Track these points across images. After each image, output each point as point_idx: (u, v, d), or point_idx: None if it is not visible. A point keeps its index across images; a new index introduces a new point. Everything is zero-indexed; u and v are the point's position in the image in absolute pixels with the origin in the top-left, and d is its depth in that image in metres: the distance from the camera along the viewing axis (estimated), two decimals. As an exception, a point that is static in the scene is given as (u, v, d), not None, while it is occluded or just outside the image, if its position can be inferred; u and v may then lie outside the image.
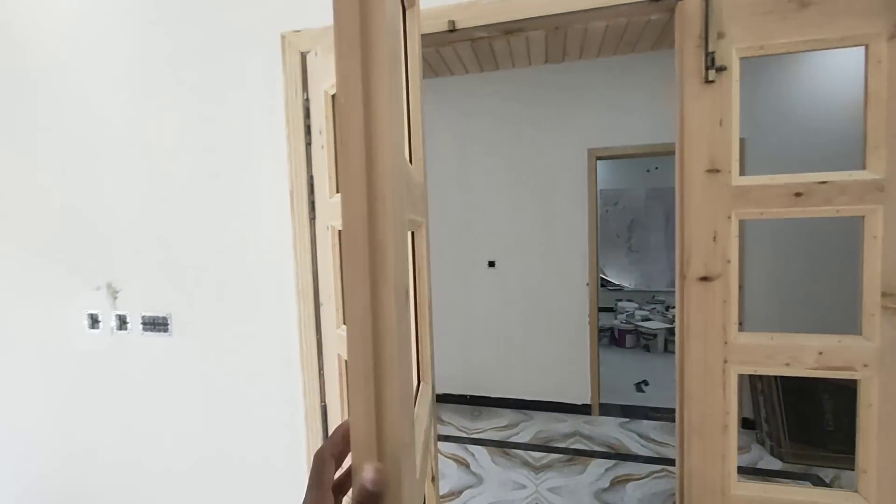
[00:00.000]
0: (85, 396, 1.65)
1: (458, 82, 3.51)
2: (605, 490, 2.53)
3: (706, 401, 1.06)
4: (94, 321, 1.61)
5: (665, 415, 3.44)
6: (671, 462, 2.78)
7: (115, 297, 1.55)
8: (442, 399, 3.79)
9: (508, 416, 3.51)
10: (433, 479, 0.93)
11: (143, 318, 1.55)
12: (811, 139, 2.85)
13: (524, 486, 2.58)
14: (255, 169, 1.34)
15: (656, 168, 6.97)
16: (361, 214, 0.29)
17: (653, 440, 3.07)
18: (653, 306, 6.07)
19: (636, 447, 2.98)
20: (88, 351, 1.61)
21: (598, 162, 3.38)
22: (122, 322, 1.57)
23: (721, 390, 1.05)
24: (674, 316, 4.77)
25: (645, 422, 3.34)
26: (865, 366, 0.97)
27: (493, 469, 2.77)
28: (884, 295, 0.94)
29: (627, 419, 3.39)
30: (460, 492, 2.55)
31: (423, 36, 1.17)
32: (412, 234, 0.81)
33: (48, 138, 1.58)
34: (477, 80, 3.50)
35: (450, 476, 2.70)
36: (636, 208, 7.61)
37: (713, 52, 0.97)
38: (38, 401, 1.71)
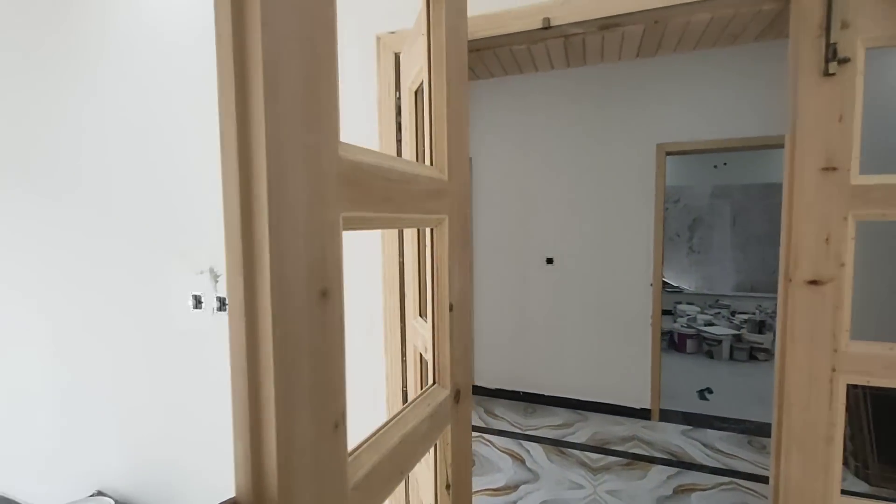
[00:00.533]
0: (188, 369, 1.83)
1: (520, 78, 3.49)
2: (667, 498, 2.46)
3: (809, 410, 1.01)
4: (197, 302, 1.78)
5: (732, 425, 3.27)
6: (740, 475, 2.65)
7: (217, 281, 1.70)
8: (495, 394, 3.81)
9: (563, 414, 3.47)
10: (447, 486, 0.84)
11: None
12: (918, 134, 2.58)
13: (581, 486, 2.55)
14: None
15: (724, 164, 6.57)
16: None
17: (719, 450, 2.93)
18: (717, 311, 5.74)
19: (700, 456, 2.86)
20: (193, 329, 1.79)
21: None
22: (222, 304, 1.72)
23: (827, 400, 1.00)
24: (740, 322, 4.56)
25: (710, 431, 3.19)
26: None
27: (549, 466, 2.76)
28: None
29: (690, 427, 3.25)
30: (516, 486, 2.57)
31: (516, 34, 1.19)
32: (431, 230, 0.79)
33: (161, 142, 1.76)
34: (539, 75, 3.46)
35: (505, 470, 2.72)
36: (699, 207, 7.21)
37: (835, 43, 0.92)
38: (143, 372, 1.91)
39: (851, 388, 2.72)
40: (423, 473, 1.01)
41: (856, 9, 0.91)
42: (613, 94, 3.30)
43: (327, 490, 0.45)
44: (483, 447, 3.00)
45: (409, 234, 1.36)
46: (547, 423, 3.35)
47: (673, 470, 2.71)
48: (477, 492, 2.50)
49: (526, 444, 3.04)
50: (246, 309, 0.37)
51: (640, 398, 3.38)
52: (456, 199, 0.79)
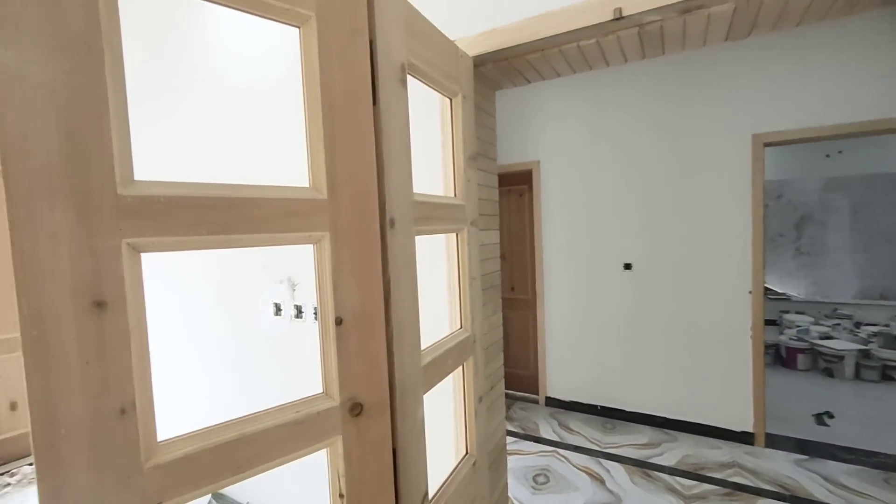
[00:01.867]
0: (268, 370, 1.96)
1: (589, 74, 3.33)
2: (778, 537, 2.14)
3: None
4: (277, 309, 1.91)
5: (861, 457, 2.77)
6: (875, 519, 2.23)
7: (294, 290, 1.82)
8: (570, 406, 3.63)
9: (647, 433, 3.20)
10: (340, 495, 0.88)
11: (314, 308, 1.79)
12: None
13: (672, 515, 2.32)
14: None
15: (840, 153, 5.70)
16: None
17: (843, 486, 2.49)
18: (835, 322, 4.96)
19: (820, 492, 2.45)
20: (273, 333, 1.92)
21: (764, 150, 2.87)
22: (299, 311, 1.83)
23: None
24: (868, 335, 3.90)
25: (831, 463, 2.73)
26: None
27: (632, 489, 2.55)
28: None
29: (805, 457, 2.81)
30: (596, 508, 2.40)
31: (584, 29, 1.12)
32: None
33: (249, 168, 1.92)
34: (610, 70, 3.27)
35: (583, 489, 2.56)
36: (807, 202, 6.34)
37: None
38: (232, 370, 2.09)
39: None
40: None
41: None
42: (698, 83, 3.01)
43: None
44: (558, 463, 2.86)
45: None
46: (629, 441, 3.10)
47: (784, 506, 2.36)
48: (552, 510, 2.38)
49: (605, 462, 2.84)
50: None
51: (742, 420, 3.00)
52: (341, 215, 0.84)
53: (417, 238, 1.55)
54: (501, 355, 1.76)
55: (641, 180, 3.24)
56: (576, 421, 3.44)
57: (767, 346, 4.45)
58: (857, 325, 4.82)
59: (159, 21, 2.10)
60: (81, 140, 0.57)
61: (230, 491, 2.23)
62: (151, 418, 0.64)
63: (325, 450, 0.86)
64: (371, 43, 0.88)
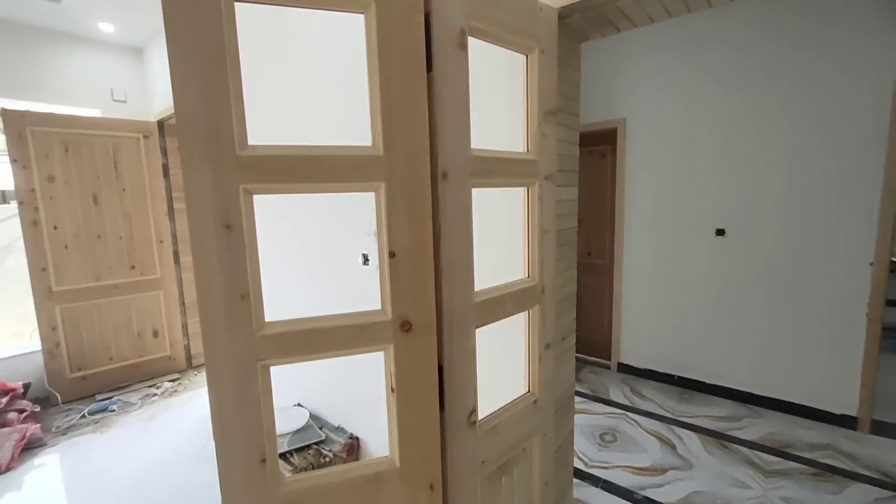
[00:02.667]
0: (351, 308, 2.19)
1: (681, 28, 3.00)
2: (873, 524, 1.99)
3: None
4: (365, 259, 2.10)
5: None
6: None
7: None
8: (643, 374, 3.56)
9: (728, 406, 3.05)
10: (392, 389, 1.10)
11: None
12: None
13: (748, 486, 2.25)
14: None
15: None
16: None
17: (967, 485, 2.21)
18: None
19: (934, 486, 2.21)
20: (360, 281, 2.13)
21: (909, 96, 2.42)
22: (385, 261, 2.00)
23: None
24: None
25: (953, 458, 2.42)
26: None
27: (705, 457, 2.50)
28: None
29: (919, 448, 2.52)
30: (664, 470, 2.40)
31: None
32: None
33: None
34: (705, 19, 2.92)
35: (651, 452, 2.56)
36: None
37: None
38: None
39: None
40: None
41: None
42: (819, 22, 2.58)
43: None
44: (626, 425, 2.87)
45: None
46: (707, 412, 2.99)
47: (884, 493, 2.17)
48: (616, 467, 2.43)
49: (678, 429, 2.79)
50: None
51: (844, 403, 2.74)
52: (395, 168, 1.01)
53: (496, 191, 1.61)
54: (574, 310, 1.79)
55: (745, 138, 2.92)
56: (649, 388, 3.38)
57: (887, 329, 3.90)
58: None
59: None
60: (216, 119, 0.85)
61: (327, 414, 2.58)
62: (260, 305, 0.94)
63: (381, 353, 1.08)
64: (427, 15, 0.99)
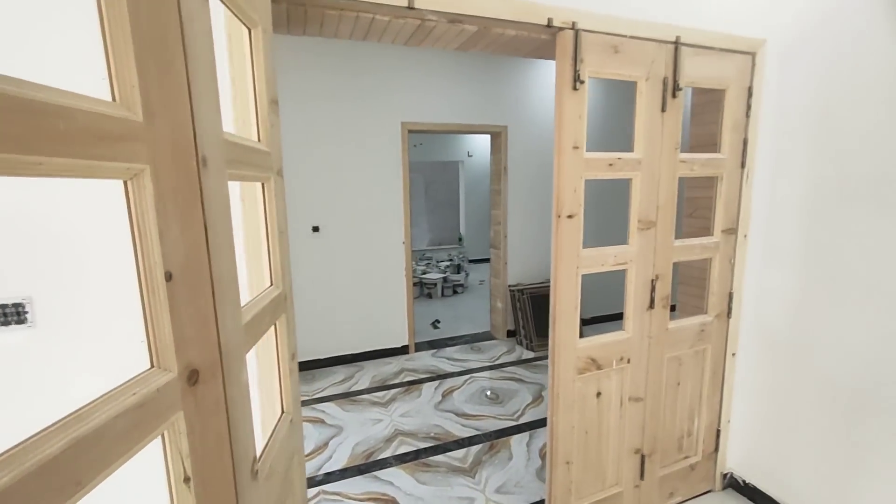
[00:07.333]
0: None
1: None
2: (440, 402, 3.16)
3: (567, 292, 1.70)
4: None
5: (458, 341, 4.40)
6: (474, 370, 3.69)
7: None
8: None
9: (342, 371, 3.70)
10: (186, 480, 0.73)
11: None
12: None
13: (380, 420, 2.92)
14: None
15: (420, 144, 8.03)
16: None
17: (456, 359, 3.93)
18: (426, 261, 7.18)
19: (448, 367, 3.76)
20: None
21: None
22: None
23: (575, 285, 1.71)
24: (446, 267, 6.04)
25: (447, 349, 4.19)
26: (631, 260, 1.80)
27: (347, 416, 2.98)
28: (639, 221, 1.78)
29: (435, 349, 4.16)
30: (326, 443, 2.67)
31: (385, 5, 1.28)
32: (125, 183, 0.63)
33: None
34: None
35: (310, 436, 2.75)
36: (402, 179, 8.57)
37: (579, 70, 1.53)
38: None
39: (518, 293, 4.20)
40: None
41: (585, 50, 1.55)
42: (363, 72, 3.56)
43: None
44: (278, 425, 2.87)
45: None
46: (330, 382, 3.50)
47: (436, 382, 3.47)
48: (290, 465, 2.45)
49: (319, 406, 3.12)
50: None
51: (401, 338, 4.02)
52: (161, 146, 0.66)
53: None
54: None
55: (325, 152, 3.52)
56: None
57: (417, 285, 5.96)
58: (438, 262, 7.21)
59: None
60: None
61: None
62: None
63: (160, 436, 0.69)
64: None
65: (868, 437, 1.62)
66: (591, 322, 4.58)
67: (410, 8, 1.30)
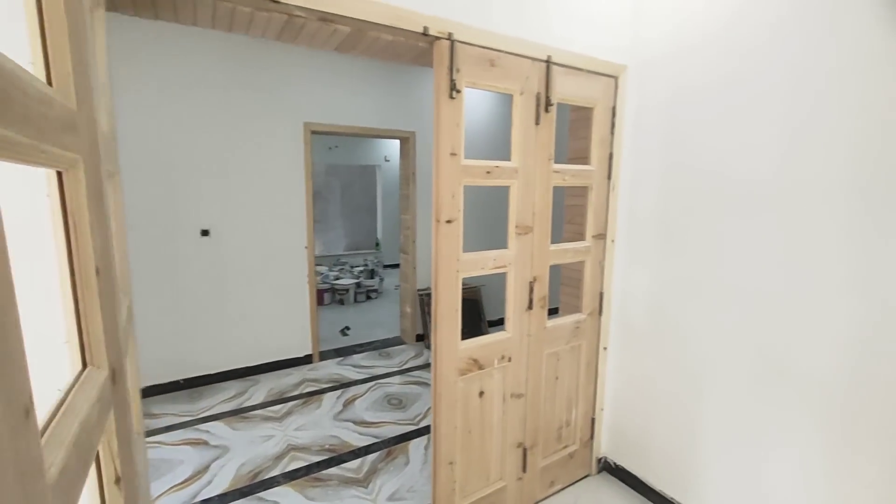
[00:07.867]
0: None
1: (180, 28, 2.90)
2: (340, 412, 3.06)
3: (448, 294, 1.73)
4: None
5: (367, 347, 4.31)
6: (380, 377, 3.63)
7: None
8: (149, 392, 3.21)
9: (235, 386, 3.42)
10: (118, 480, 0.69)
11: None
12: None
13: (272, 436, 2.74)
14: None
15: (336, 147, 7.80)
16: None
17: (362, 366, 3.84)
18: (340, 267, 6.97)
19: (353, 374, 3.66)
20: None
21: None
22: None
23: (455, 288, 1.75)
24: (359, 272, 5.96)
25: (354, 356, 4.09)
26: (510, 263, 1.89)
27: (234, 435, 2.75)
28: (517, 226, 1.87)
29: (341, 357, 4.03)
30: (207, 466, 2.43)
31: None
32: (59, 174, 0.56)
33: None
34: (199, 31, 3.02)
35: (188, 461, 2.49)
36: (317, 182, 8.26)
37: (455, 80, 1.58)
38: None
39: (426, 297, 4.24)
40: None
41: (462, 61, 1.60)
42: (262, 69, 3.36)
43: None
44: (152, 451, 2.57)
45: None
46: (219, 399, 3.21)
47: (339, 392, 3.36)
48: (160, 495, 2.20)
49: (203, 426, 2.85)
50: None
51: (303, 346, 3.83)
52: (89, 136, 0.63)
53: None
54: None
55: (217, 151, 3.25)
56: (157, 404, 3.11)
57: (321, 291, 5.69)
58: (352, 267, 7.02)
59: None
60: None
61: None
62: None
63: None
64: None
65: (707, 414, 1.86)
66: (500, 322, 4.76)
67: (275, 1, 1.24)
